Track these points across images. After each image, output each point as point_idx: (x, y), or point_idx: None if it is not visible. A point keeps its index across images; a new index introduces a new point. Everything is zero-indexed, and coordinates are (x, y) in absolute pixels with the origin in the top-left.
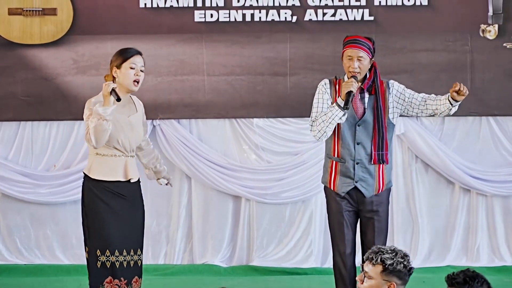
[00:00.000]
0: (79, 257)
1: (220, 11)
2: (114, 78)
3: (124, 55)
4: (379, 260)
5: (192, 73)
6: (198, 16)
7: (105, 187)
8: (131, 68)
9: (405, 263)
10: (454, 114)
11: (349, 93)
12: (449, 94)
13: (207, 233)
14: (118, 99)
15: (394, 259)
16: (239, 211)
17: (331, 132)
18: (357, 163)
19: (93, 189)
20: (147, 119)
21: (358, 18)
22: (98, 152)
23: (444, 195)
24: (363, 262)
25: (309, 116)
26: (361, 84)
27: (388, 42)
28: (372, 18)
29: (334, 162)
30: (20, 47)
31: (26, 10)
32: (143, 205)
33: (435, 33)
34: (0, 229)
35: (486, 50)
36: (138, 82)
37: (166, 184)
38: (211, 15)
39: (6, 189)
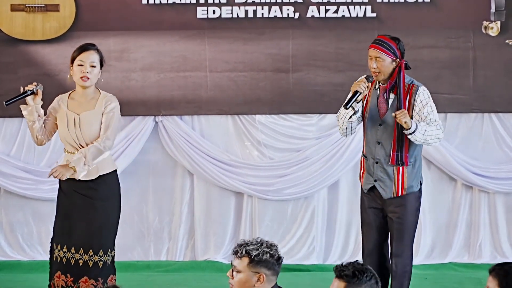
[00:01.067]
0: None
1: (222, 8)
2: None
3: (74, 53)
4: (244, 252)
5: (194, 70)
6: (200, 12)
7: (65, 184)
8: (79, 65)
9: (272, 252)
10: (456, 111)
11: (356, 92)
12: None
13: (209, 229)
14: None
15: (260, 250)
16: (241, 207)
17: (353, 130)
18: (376, 163)
19: (60, 186)
20: (149, 115)
21: (361, 14)
22: (64, 148)
23: (447, 192)
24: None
25: (311, 113)
26: (384, 84)
27: None
28: (374, 14)
29: (363, 158)
30: (22, 43)
31: (29, 6)
32: (114, 205)
33: (438, 30)
34: (2, 225)
35: (489, 47)
36: (87, 78)
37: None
38: (214, 12)
39: (8, 186)
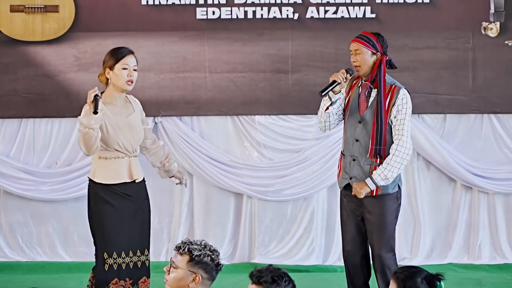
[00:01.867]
0: (81, 254)
1: (222, 8)
2: (107, 79)
3: (116, 56)
4: (186, 250)
5: (194, 70)
6: (200, 13)
7: (111, 189)
8: (124, 69)
9: (213, 257)
10: (456, 111)
11: (333, 82)
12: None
13: (209, 230)
14: (95, 112)
15: (202, 251)
16: (240, 208)
17: (332, 124)
18: (354, 160)
19: (99, 193)
20: (148, 116)
21: (360, 15)
22: (101, 155)
23: (446, 193)
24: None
25: (311, 114)
26: (364, 80)
27: (390, 39)
28: (373, 15)
29: (341, 156)
30: (22, 44)
31: (28, 7)
32: (149, 205)
33: (437, 31)
34: (1, 226)
35: (488, 47)
36: (132, 82)
37: (179, 184)
38: (213, 12)
39: (7, 186)
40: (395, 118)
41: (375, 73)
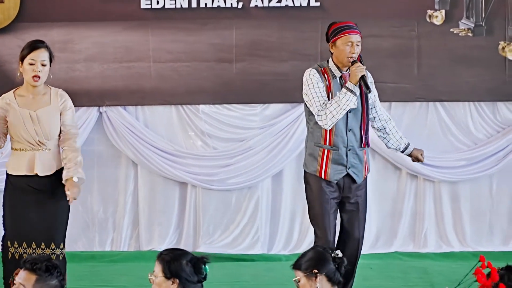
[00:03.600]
0: None
1: None
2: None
3: (26, 50)
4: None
5: (138, 60)
6: (144, 3)
7: (17, 180)
8: (30, 64)
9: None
10: (401, 100)
11: (362, 77)
12: (411, 149)
13: (154, 219)
14: None
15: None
16: (185, 197)
17: None
18: (349, 150)
19: (9, 183)
20: (93, 106)
21: (304, 4)
22: (13, 146)
23: (391, 181)
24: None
25: (255, 103)
26: (347, 71)
27: None
28: (318, 4)
29: (325, 150)
30: None
31: None
32: (61, 199)
33: (382, 19)
34: None
35: (433, 35)
36: (38, 77)
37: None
38: (157, 2)
39: None
40: (373, 102)
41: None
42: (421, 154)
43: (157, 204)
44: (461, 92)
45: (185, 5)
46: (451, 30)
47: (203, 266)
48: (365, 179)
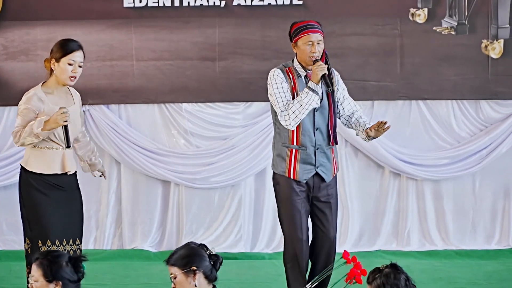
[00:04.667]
0: (10, 243)
1: None
2: (52, 69)
3: (65, 49)
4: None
5: (121, 59)
6: (127, 1)
7: (43, 179)
8: (69, 64)
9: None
10: (384, 98)
11: (323, 75)
12: (367, 126)
13: (137, 218)
14: (68, 146)
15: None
16: (168, 196)
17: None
18: (317, 149)
19: (30, 181)
20: None
21: (287, 2)
22: (35, 144)
23: (374, 180)
24: None
25: (238, 101)
26: (309, 69)
27: None
28: (301, 2)
29: (293, 150)
30: None
31: None
32: (81, 196)
33: (365, 17)
34: None
35: (416, 34)
36: (75, 78)
37: (100, 176)
38: (140, 1)
39: None
40: (343, 96)
41: (324, 61)
42: (377, 128)
43: (140, 203)
44: (444, 90)
45: (168, 4)
46: (434, 28)
47: (81, 264)
48: (335, 177)
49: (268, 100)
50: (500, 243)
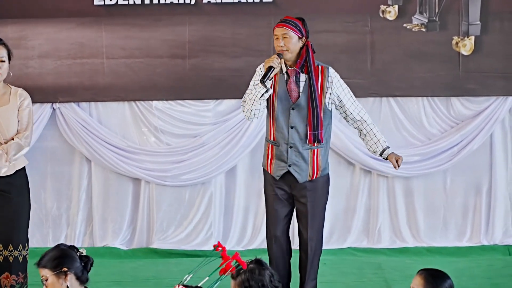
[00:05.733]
0: None
1: None
2: None
3: None
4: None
5: (91, 56)
6: None
7: None
8: None
9: None
10: (354, 95)
11: (270, 68)
12: (389, 153)
13: (107, 216)
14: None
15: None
16: (139, 193)
17: (261, 112)
18: (291, 147)
19: None
20: (46, 102)
21: (257, 0)
22: None
23: (345, 177)
24: None
25: (208, 98)
26: (292, 67)
27: None
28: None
29: (270, 145)
30: None
31: None
32: (21, 200)
33: (335, 14)
34: None
35: (386, 31)
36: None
37: None
38: None
39: None
40: (336, 96)
41: (304, 58)
42: (397, 161)
43: (111, 201)
44: (415, 87)
45: (138, 1)
46: (405, 25)
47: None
48: (315, 181)
49: (239, 98)
50: (471, 240)
